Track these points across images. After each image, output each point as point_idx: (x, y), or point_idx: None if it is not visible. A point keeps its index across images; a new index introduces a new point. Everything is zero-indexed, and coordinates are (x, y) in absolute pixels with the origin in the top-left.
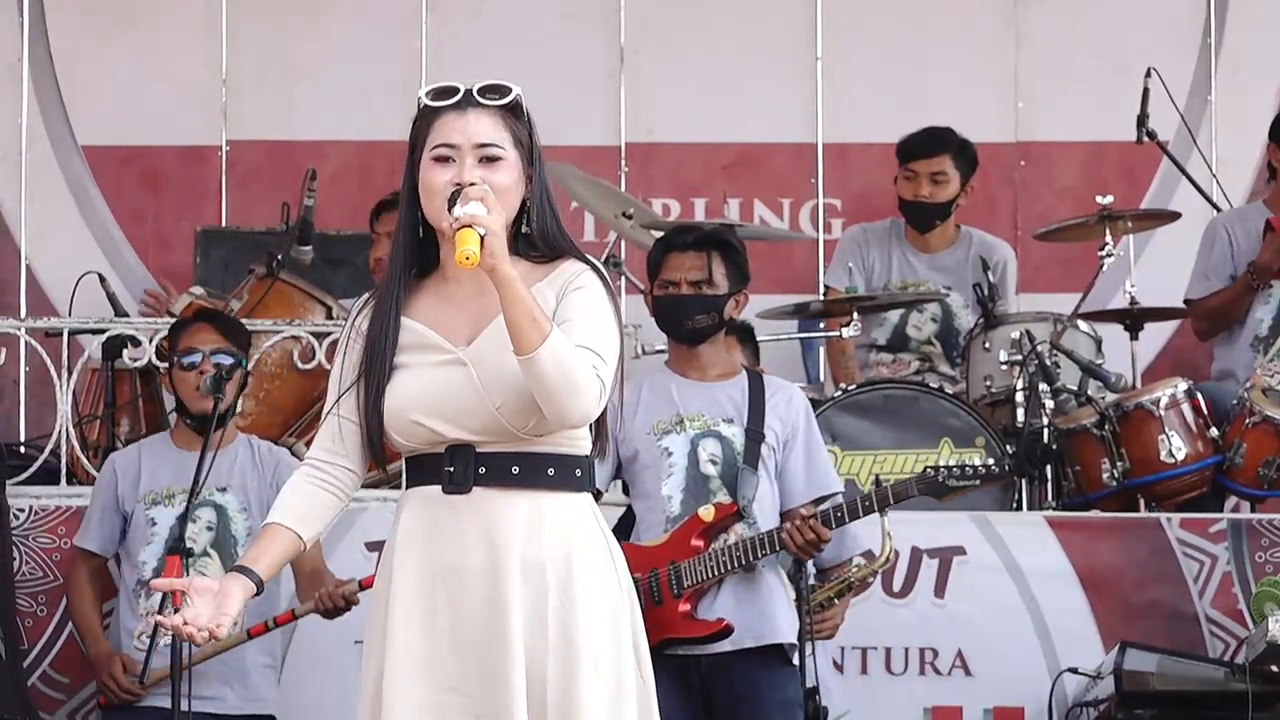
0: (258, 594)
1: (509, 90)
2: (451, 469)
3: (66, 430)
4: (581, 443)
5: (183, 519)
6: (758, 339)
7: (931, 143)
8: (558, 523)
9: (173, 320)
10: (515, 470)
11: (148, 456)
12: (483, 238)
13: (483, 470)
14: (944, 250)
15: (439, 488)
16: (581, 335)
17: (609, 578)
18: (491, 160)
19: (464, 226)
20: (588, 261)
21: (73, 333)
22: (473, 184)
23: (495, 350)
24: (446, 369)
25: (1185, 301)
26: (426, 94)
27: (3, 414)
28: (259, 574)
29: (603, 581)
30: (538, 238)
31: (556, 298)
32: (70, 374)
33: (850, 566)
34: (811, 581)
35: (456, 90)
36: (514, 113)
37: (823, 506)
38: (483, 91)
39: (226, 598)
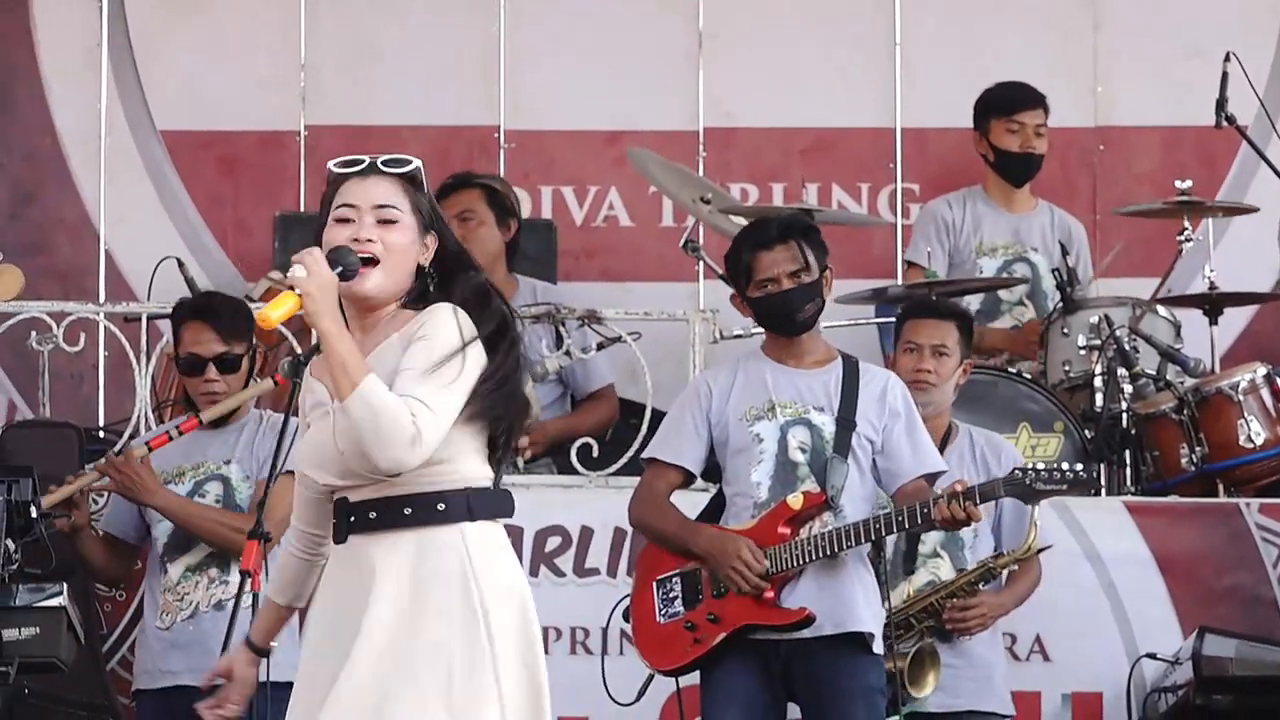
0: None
1: (409, 162)
2: (335, 521)
3: (145, 415)
4: (448, 476)
5: (191, 495)
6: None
7: (1034, 95)
8: (424, 561)
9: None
10: (373, 516)
11: None
12: (303, 298)
13: (352, 519)
14: (1027, 213)
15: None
16: (410, 384)
17: (461, 607)
18: (389, 222)
19: (288, 289)
20: (453, 304)
21: (151, 317)
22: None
23: None
24: (325, 420)
25: None
26: (335, 163)
27: (82, 399)
28: (256, 642)
29: (449, 614)
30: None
31: (403, 347)
32: (148, 359)
33: (994, 556)
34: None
35: (362, 160)
36: (413, 182)
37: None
38: (386, 162)
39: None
